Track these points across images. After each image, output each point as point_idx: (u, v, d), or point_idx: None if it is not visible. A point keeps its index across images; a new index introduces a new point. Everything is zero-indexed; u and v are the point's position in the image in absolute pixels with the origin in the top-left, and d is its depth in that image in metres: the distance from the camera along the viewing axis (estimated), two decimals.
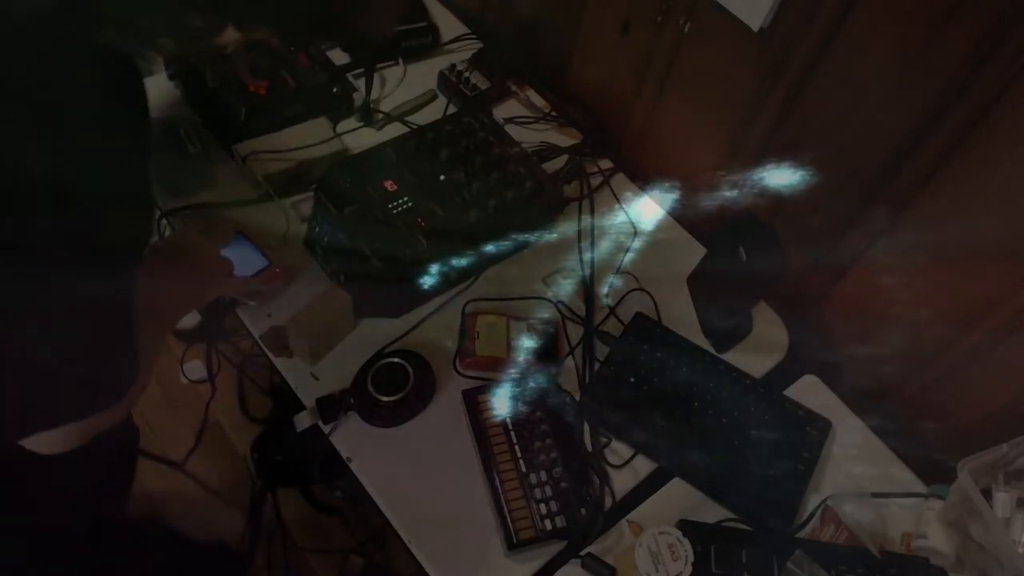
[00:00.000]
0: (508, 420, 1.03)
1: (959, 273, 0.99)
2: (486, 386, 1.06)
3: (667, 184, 1.33)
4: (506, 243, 1.20)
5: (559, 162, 1.33)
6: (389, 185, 1.07)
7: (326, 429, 1.02)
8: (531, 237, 1.24)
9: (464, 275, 1.17)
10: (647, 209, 1.32)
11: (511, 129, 1.33)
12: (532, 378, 1.07)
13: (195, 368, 1.83)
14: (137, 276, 0.68)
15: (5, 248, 0.56)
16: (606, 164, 1.36)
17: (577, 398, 1.08)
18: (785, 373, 1.16)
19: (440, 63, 1.42)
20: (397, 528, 0.97)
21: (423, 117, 1.35)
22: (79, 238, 0.60)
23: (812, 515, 1.00)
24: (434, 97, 1.41)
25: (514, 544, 0.94)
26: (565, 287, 1.19)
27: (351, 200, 1.05)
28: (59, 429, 0.71)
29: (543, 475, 0.99)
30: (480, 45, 1.48)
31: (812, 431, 1.07)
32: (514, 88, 1.43)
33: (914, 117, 0.94)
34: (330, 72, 1.30)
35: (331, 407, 1.02)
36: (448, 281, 1.16)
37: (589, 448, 1.04)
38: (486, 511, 0.97)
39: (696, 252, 1.24)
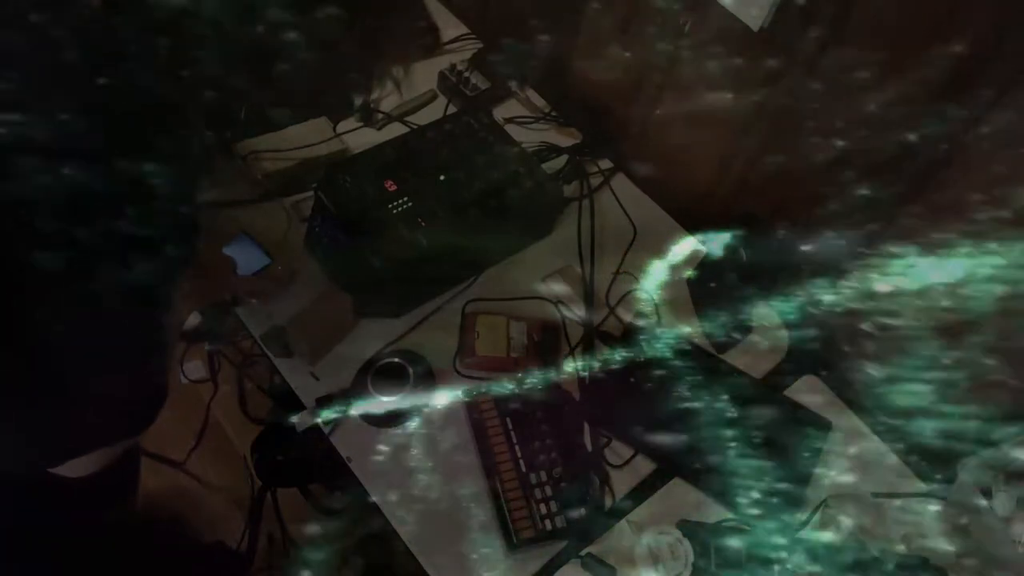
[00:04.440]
0: (508, 420, 1.03)
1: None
2: (486, 386, 1.06)
3: (667, 184, 1.33)
4: (506, 243, 1.20)
5: (559, 162, 1.33)
6: (389, 185, 1.07)
7: (326, 429, 1.02)
8: (531, 237, 1.23)
9: (464, 275, 1.17)
10: (647, 209, 1.31)
11: (511, 129, 1.32)
12: (532, 378, 1.07)
13: (195, 368, 1.83)
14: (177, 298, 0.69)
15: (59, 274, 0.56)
16: (606, 164, 1.36)
17: (577, 398, 1.08)
18: (785, 373, 1.16)
19: (440, 63, 1.41)
20: (397, 528, 0.97)
21: (423, 117, 1.35)
22: (130, 262, 0.60)
23: (812, 515, 1.00)
24: (434, 97, 1.41)
25: (514, 544, 0.94)
26: (565, 287, 1.19)
27: (351, 200, 1.05)
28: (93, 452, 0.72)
29: (543, 475, 0.99)
30: (480, 45, 1.48)
31: (812, 431, 1.07)
32: (514, 88, 1.43)
33: (915, 117, 0.94)
34: None
35: (331, 407, 1.02)
36: (448, 281, 1.16)
37: (589, 448, 1.04)
38: (486, 511, 0.97)
39: (696, 252, 1.23)
